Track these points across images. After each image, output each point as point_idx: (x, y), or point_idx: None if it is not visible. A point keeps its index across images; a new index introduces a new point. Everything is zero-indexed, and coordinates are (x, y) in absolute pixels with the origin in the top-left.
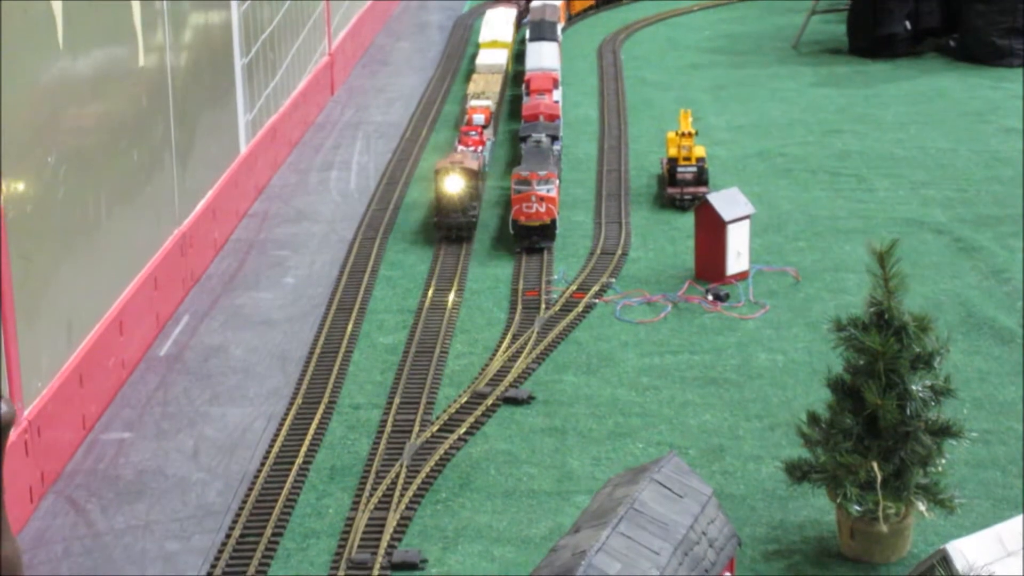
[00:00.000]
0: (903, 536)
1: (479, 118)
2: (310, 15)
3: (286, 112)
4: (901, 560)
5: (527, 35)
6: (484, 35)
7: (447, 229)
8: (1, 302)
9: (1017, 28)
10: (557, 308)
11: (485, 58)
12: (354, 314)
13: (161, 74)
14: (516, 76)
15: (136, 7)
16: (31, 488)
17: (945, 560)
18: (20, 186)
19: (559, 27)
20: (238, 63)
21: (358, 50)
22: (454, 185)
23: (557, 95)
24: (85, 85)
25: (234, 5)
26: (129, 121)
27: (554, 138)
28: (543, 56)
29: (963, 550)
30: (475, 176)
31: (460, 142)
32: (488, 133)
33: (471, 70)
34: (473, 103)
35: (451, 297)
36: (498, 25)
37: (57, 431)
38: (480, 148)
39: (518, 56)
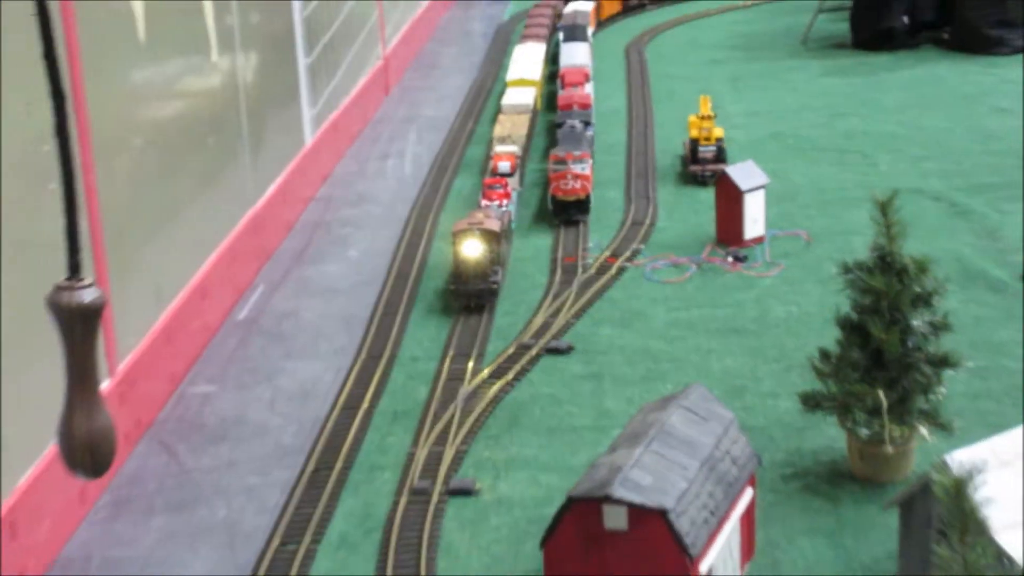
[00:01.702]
0: (907, 457)
1: (504, 166)
2: (365, 23)
3: (346, 108)
4: (905, 479)
5: (561, 37)
6: (512, 72)
7: (465, 297)
8: (96, 269)
9: (1006, 20)
10: (593, 271)
11: (511, 97)
12: (410, 281)
13: (232, 71)
14: (551, 75)
15: (208, 8)
16: (127, 433)
17: (944, 467)
18: (111, 170)
19: (590, 30)
20: (302, 63)
21: (410, 55)
22: (472, 250)
23: (589, 88)
24: (165, 79)
25: (296, 7)
26: (205, 113)
27: (587, 123)
28: (576, 55)
29: (960, 459)
30: (496, 239)
31: (484, 196)
32: (514, 183)
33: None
34: (498, 149)
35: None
36: (526, 62)
37: (149, 384)
38: (505, 202)
39: (553, 58)
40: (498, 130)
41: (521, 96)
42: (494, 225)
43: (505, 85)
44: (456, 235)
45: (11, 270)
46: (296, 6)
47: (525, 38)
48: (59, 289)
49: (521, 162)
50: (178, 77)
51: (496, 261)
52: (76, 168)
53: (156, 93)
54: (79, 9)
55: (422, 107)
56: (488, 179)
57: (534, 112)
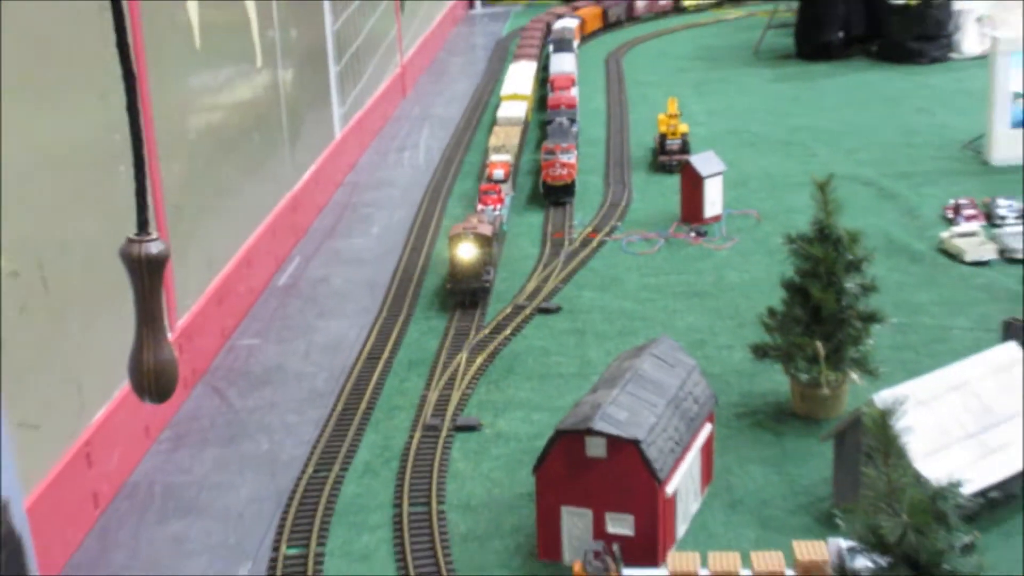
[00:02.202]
0: (840, 398)
1: (499, 173)
2: (386, 36)
3: (370, 108)
4: (839, 416)
5: (551, 49)
6: (506, 87)
7: (460, 294)
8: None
9: (924, 35)
10: (577, 244)
11: (506, 111)
12: (423, 253)
13: (274, 76)
14: (543, 81)
15: (254, 21)
16: (185, 379)
17: (871, 404)
18: (171, 157)
19: (575, 43)
20: (332, 70)
21: (423, 63)
22: (467, 252)
23: (574, 91)
24: (217, 83)
25: (328, 23)
26: (250, 111)
27: (572, 120)
28: (563, 63)
29: (884, 398)
30: (488, 242)
31: (480, 200)
32: (507, 188)
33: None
34: (493, 158)
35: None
36: (519, 78)
37: (203, 338)
38: (499, 206)
39: (544, 66)
40: (493, 140)
41: (514, 110)
42: (486, 230)
43: (500, 99)
44: (452, 238)
45: (89, 237)
46: (328, 22)
47: (518, 57)
48: (130, 242)
49: (513, 169)
50: (228, 81)
51: (488, 262)
52: (143, 140)
53: (209, 94)
54: (144, 20)
55: (433, 107)
56: (484, 185)
57: (525, 123)
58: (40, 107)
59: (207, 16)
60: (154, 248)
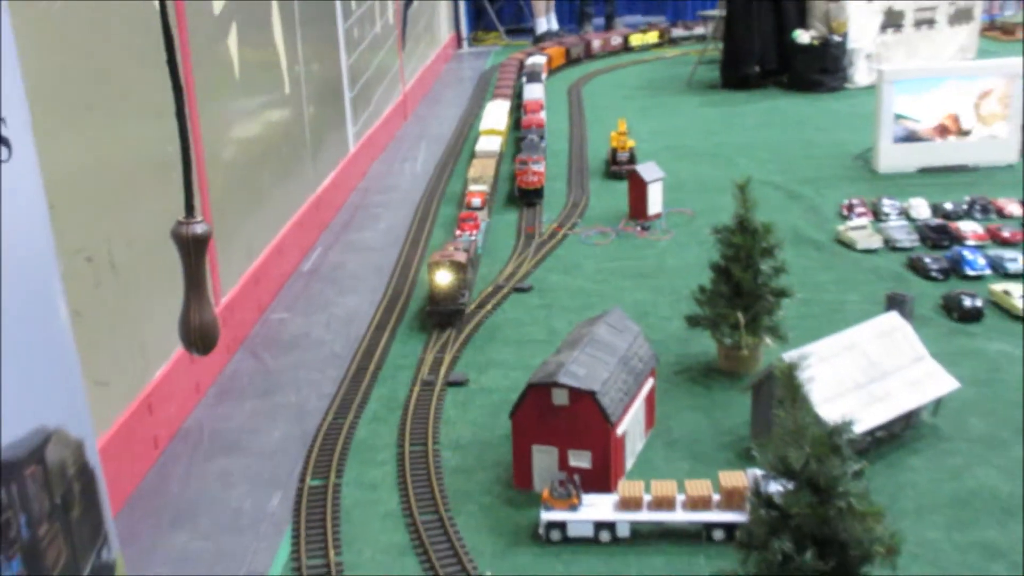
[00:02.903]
0: (756, 358)
1: (476, 201)
2: (390, 69)
3: (377, 128)
4: (755, 371)
5: (524, 80)
6: (484, 124)
7: (438, 316)
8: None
9: (824, 68)
10: (546, 237)
11: (483, 144)
12: (420, 245)
13: (299, 100)
14: (517, 106)
15: (283, 58)
16: (228, 345)
17: (781, 360)
18: (216, 166)
19: (543, 75)
20: (347, 96)
21: (421, 92)
22: (444, 279)
23: (543, 114)
24: (253, 106)
25: (342, 58)
26: (280, 128)
27: (541, 137)
28: (534, 91)
29: (791, 355)
30: (463, 268)
31: (459, 227)
32: (483, 215)
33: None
34: (472, 188)
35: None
36: (495, 116)
37: (242, 312)
38: (474, 232)
39: (518, 93)
40: (472, 172)
41: (490, 144)
42: (461, 257)
43: (479, 133)
44: (430, 266)
45: (149, 229)
46: (343, 58)
47: (495, 96)
48: (179, 224)
49: (489, 197)
50: (262, 105)
51: (463, 286)
52: (190, 141)
53: (247, 116)
54: (194, 57)
55: (429, 128)
56: (462, 213)
57: (500, 155)
58: (108, 125)
59: (245, 54)
60: (199, 228)
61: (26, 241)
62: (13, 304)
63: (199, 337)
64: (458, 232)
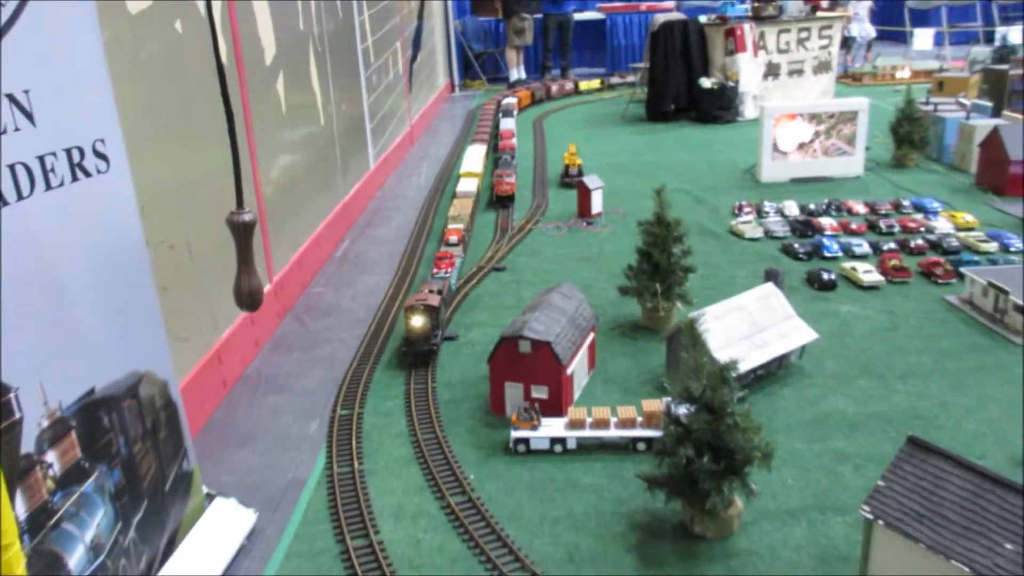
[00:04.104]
0: (670, 317)
1: (453, 239)
2: (400, 108)
3: (391, 151)
4: (669, 327)
5: (501, 115)
6: (464, 167)
7: (413, 356)
8: (262, 231)
9: (721, 106)
10: (516, 230)
11: (462, 186)
12: (423, 238)
13: (331, 128)
14: (493, 132)
15: (319, 98)
16: (278, 313)
17: (687, 317)
18: (268, 182)
19: (515, 111)
20: (368, 126)
21: (423, 125)
22: (418, 322)
23: (514, 140)
24: (296, 134)
25: (364, 99)
26: (316, 151)
27: (512, 156)
28: (508, 123)
29: (694, 314)
30: (436, 311)
31: (435, 265)
32: (459, 251)
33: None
34: (450, 226)
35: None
36: (473, 159)
37: (290, 287)
38: (449, 269)
39: (496, 126)
40: (452, 211)
41: (468, 185)
42: (435, 301)
43: (459, 176)
44: (406, 310)
45: (216, 225)
46: (364, 98)
47: (475, 140)
48: (232, 214)
49: (466, 235)
50: (303, 134)
51: (436, 326)
52: (238, 151)
53: (291, 142)
54: (252, 97)
55: (429, 150)
56: (439, 252)
57: (477, 195)
58: (185, 147)
59: (290, 96)
60: (247, 217)
61: (123, 233)
62: (113, 280)
63: (248, 298)
64: (435, 270)
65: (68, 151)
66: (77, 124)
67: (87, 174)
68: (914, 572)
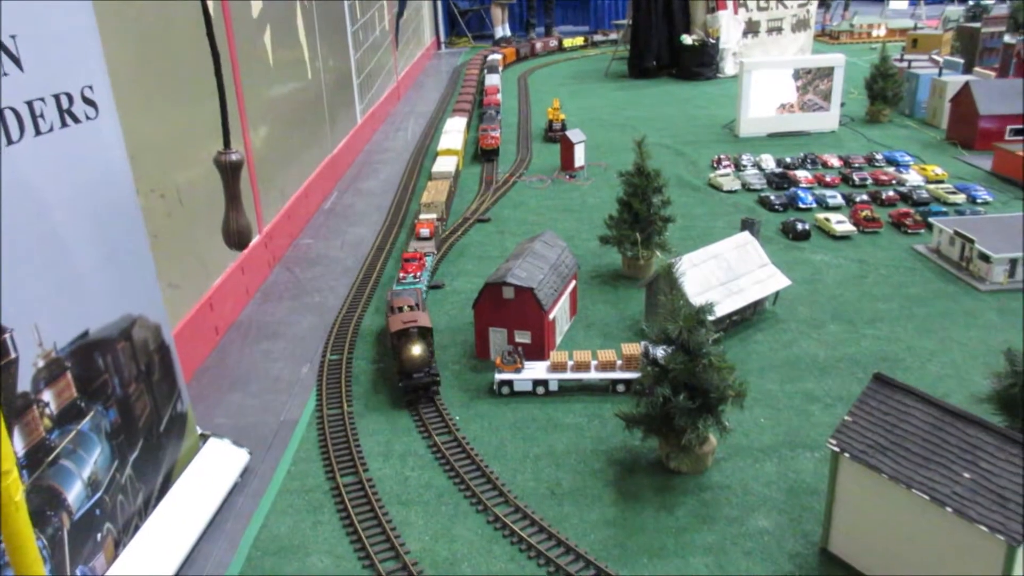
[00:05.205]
0: (650, 264)
1: (425, 232)
2: (387, 64)
3: (378, 106)
4: (648, 274)
5: (486, 71)
6: (442, 143)
7: (413, 391)
8: (252, 180)
9: (703, 63)
10: (501, 183)
11: (439, 165)
12: (410, 189)
13: (318, 83)
14: (479, 88)
15: (306, 54)
16: (268, 262)
17: (665, 263)
18: (257, 134)
19: (500, 68)
20: (355, 81)
21: (409, 81)
22: (418, 350)
23: (499, 95)
24: (283, 86)
25: (351, 54)
26: (304, 104)
27: (497, 112)
28: (493, 79)
29: (671, 260)
30: (431, 332)
31: (402, 269)
32: (430, 247)
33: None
34: (422, 217)
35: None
36: (453, 133)
37: (278, 239)
38: (419, 272)
39: (480, 82)
40: (425, 197)
41: (446, 164)
42: (426, 320)
43: (436, 153)
44: (397, 336)
45: (205, 176)
46: (351, 54)
47: (455, 112)
48: (219, 154)
49: (440, 226)
50: (292, 88)
51: (431, 351)
52: (225, 93)
53: (279, 94)
54: (240, 52)
55: (416, 106)
56: (406, 253)
57: (456, 174)
58: (176, 101)
59: (277, 50)
60: (234, 157)
61: (113, 179)
62: (105, 226)
63: (236, 236)
64: (402, 274)
65: (57, 97)
66: (65, 70)
67: (76, 120)
68: (877, 501)
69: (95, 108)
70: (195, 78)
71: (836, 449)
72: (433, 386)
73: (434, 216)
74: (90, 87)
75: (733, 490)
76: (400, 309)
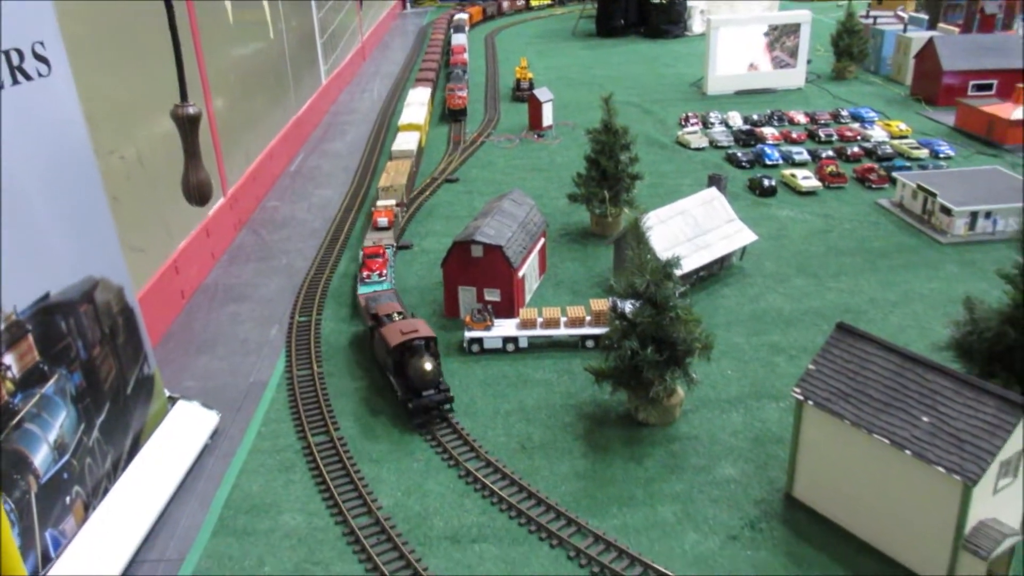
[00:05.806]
0: (618, 222)
1: (383, 221)
2: (351, 24)
3: (343, 67)
4: (616, 231)
5: (452, 31)
6: (404, 117)
7: (426, 411)
8: (213, 143)
9: (670, 20)
10: (468, 142)
11: (400, 143)
12: (376, 151)
13: (281, 42)
14: (445, 48)
15: (267, 10)
16: (234, 225)
17: (633, 218)
18: (219, 93)
19: (467, 27)
20: (319, 41)
21: (375, 41)
22: (430, 364)
23: (466, 55)
24: (245, 47)
25: (314, 13)
26: (267, 64)
27: (464, 71)
28: (460, 39)
29: (640, 216)
30: (435, 341)
31: (365, 267)
32: (389, 237)
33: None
34: (379, 204)
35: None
36: (415, 106)
37: (245, 201)
38: (384, 270)
39: (447, 41)
40: (383, 181)
41: (408, 142)
42: (427, 330)
43: (397, 129)
44: (401, 351)
45: (165, 138)
46: (314, 13)
47: (418, 82)
48: (176, 107)
49: (400, 212)
50: (254, 48)
51: (439, 365)
52: (180, 45)
53: (241, 54)
54: (199, 10)
55: (381, 67)
56: (366, 248)
57: (419, 152)
58: (135, 66)
59: (238, 13)
60: (191, 110)
61: (70, 138)
62: (63, 186)
63: (196, 192)
64: (366, 274)
65: (7, 53)
66: (14, 25)
67: (28, 77)
68: (840, 447)
69: (47, 65)
70: (154, 40)
71: (800, 397)
72: (445, 404)
73: (393, 202)
74: (41, 43)
75: (700, 440)
76: (389, 318)
